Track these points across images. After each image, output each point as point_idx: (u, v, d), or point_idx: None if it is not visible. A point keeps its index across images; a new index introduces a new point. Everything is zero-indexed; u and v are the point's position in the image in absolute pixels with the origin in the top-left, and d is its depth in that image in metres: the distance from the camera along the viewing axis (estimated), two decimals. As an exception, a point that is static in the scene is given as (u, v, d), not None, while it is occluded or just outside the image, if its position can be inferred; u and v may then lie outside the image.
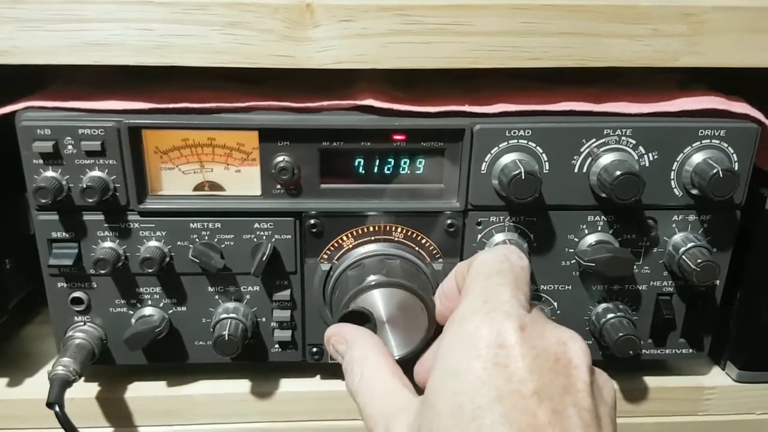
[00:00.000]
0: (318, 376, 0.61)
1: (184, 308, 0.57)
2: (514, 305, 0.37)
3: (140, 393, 0.59)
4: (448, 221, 0.55)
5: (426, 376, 0.39)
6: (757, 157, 0.54)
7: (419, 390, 0.41)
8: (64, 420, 0.52)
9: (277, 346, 0.59)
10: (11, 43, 0.49)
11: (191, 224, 0.54)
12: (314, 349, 0.59)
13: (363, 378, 0.42)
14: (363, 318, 0.51)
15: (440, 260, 0.56)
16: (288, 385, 0.60)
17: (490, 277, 0.39)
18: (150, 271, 0.54)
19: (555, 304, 0.58)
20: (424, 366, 0.46)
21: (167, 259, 0.55)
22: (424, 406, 0.36)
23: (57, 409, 0.51)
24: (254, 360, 0.59)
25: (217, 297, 0.57)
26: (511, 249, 0.41)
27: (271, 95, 0.55)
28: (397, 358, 0.52)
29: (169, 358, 0.58)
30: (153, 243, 0.54)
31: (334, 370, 0.61)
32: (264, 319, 0.58)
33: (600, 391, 0.36)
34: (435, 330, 0.52)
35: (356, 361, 0.44)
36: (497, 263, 0.40)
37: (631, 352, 0.55)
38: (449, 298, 0.45)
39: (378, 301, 0.51)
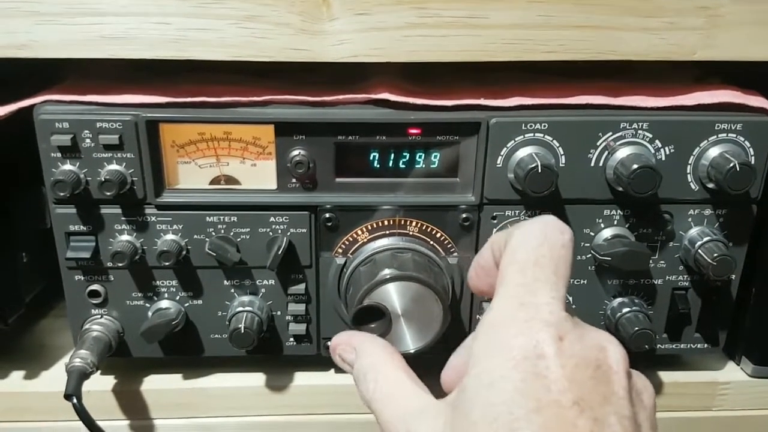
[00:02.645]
0: (332, 370, 0.61)
1: (200, 301, 0.57)
2: (554, 309, 0.34)
3: (156, 386, 0.60)
4: (463, 215, 0.55)
5: (454, 382, 0.37)
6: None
7: (440, 395, 0.40)
8: (81, 412, 0.52)
9: (291, 339, 0.59)
10: (29, 37, 0.49)
11: (207, 218, 0.55)
12: (329, 343, 0.59)
13: (378, 384, 0.41)
14: (378, 313, 0.51)
15: (455, 254, 0.56)
16: (302, 379, 0.61)
17: (526, 270, 0.36)
18: (167, 264, 0.54)
19: (570, 298, 0.57)
20: (453, 371, 0.45)
21: (184, 252, 0.55)
22: (455, 414, 0.35)
23: (75, 401, 0.52)
24: (269, 353, 0.59)
25: (232, 290, 0.57)
26: (549, 224, 0.37)
27: (287, 89, 0.55)
28: (413, 351, 0.53)
29: (186, 351, 0.59)
30: (170, 236, 0.55)
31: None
32: (279, 313, 0.58)
33: (639, 396, 0.35)
34: (450, 321, 0.53)
35: (368, 368, 0.42)
36: (535, 247, 0.36)
37: (646, 346, 0.55)
38: (486, 270, 0.42)
39: (392, 295, 0.51)
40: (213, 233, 0.55)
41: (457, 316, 0.58)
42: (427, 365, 0.60)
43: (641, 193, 0.51)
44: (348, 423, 0.61)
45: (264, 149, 0.54)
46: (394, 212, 0.55)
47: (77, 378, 0.53)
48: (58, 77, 0.58)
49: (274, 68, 0.54)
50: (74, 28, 0.49)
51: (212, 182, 0.55)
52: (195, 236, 0.55)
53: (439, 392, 0.59)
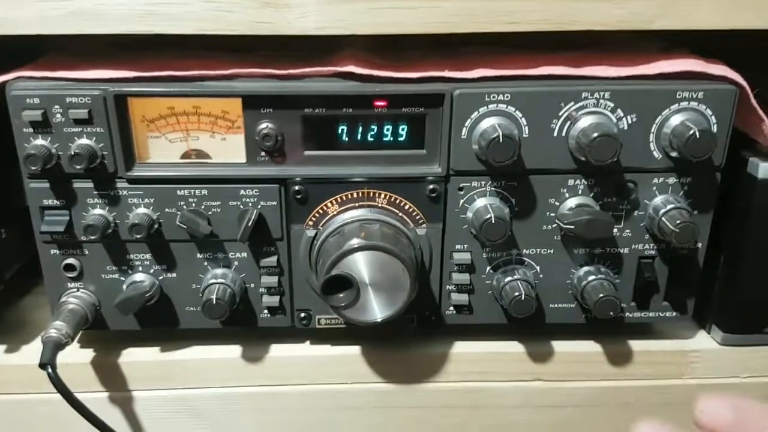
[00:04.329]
0: (307, 342, 0.62)
1: (173, 274, 0.58)
2: None
3: (134, 358, 0.61)
4: (430, 187, 0.56)
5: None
6: (739, 121, 0.55)
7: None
8: (56, 381, 0.53)
9: (265, 311, 0.60)
10: (1, 14, 0.50)
11: (178, 191, 0.55)
12: (302, 315, 0.60)
13: None
14: (346, 283, 0.52)
15: (423, 225, 0.57)
16: (278, 350, 0.62)
17: None
18: (139, 237, 0.55)
19: (537, 267, 0.58)
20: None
21: (156, 225, 0.56)
22: None
23: (49, 370, 0.53)
24: (244, 325, 0.60)
25: (205, 263, 0.58)
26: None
27: (256, 64, 0.56)
28: (380, 320, 0.53)
29: (161, 323, 0.60)
30: (141, 210, 0.56)
31: (323, 335, 0.62)
32: (252, 285, 0.59)
33: None
34: (418, 290, 0.54)
35: None
36: None
37: (611, 313, 0.56)
38: None
39: (359, 265, 0.52)
40: (184, 206, 0.56)
41: (425, 286, 0.59)
42: (395, 334, 0.62)
43: (601, 161, 0.52)
44: (322, 393, 0.62)
45: (233, 123, 0.55)
46: (362, 184, 0.56)
47: (52, 348, 0.54)
48: (35, 57, 0.59)
49: (246, 44, 0.54)
50: (43, 5, 0.50)
51: (182, 156, 0.56)
52: (166, 210, 0.56)
53: (407, 367, 0.61)
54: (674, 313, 0.60)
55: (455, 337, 0.62)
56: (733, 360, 0.62)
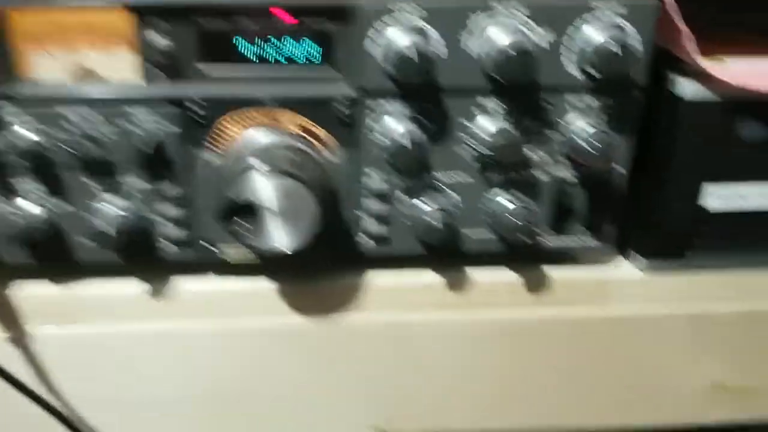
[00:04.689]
0: (214, 275, 0.59)
1: (64, 204, 0.54)
2: None
3: (28, 293, 0.57)
4: (341, 108, 0.53)
5: None
6: (662, 38, 0.53)
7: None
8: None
9: (167, 243, 0.56)
10: None
11: (66, 113, 0.51)
12: (208, 246, 0.57)
13: None
14: (249, 210, 0.49)
15: (334, 150, 0.54)
16: (183, 284, 0.58)
17: None
18: (23, 163, 0.51)
19: (453, 194, 0.56)
20: None
21: (43, 151, 0.52)
22: None
23: (-74, 307, 0.49)
24: (144, 258, 0.57)
25: (100, 192, 0.54)
26: None
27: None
28: (288, 251, 0.51)
29: (54, 256, 0.56)
30: (25, 133, 0.51)
31: (231, 268, 0.59)
32: (152, 216, 0.55)
33: None
34: (331, 220, 0.51)
35: None
36: None
37: (525, 239, 0.54)
38: None
39: (264, 191, 0.49)
40: (73, 130, 0.51)
41: (339, 216, 0.56)
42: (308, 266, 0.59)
43: (516, 79, 0.49)
44: (231, 329, 0.59)
45: (124, 38, 0.50)
46: (267, 106, 0.52)
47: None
48: None
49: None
50: None
51: (70, 75, 0.51)
52: (54, 133, 0.51)
53: (321, 300, 0.58)
54: (594, 240, 0.59)
55: (371, 267, 0.60)
56: (654, 288, 0.61)
